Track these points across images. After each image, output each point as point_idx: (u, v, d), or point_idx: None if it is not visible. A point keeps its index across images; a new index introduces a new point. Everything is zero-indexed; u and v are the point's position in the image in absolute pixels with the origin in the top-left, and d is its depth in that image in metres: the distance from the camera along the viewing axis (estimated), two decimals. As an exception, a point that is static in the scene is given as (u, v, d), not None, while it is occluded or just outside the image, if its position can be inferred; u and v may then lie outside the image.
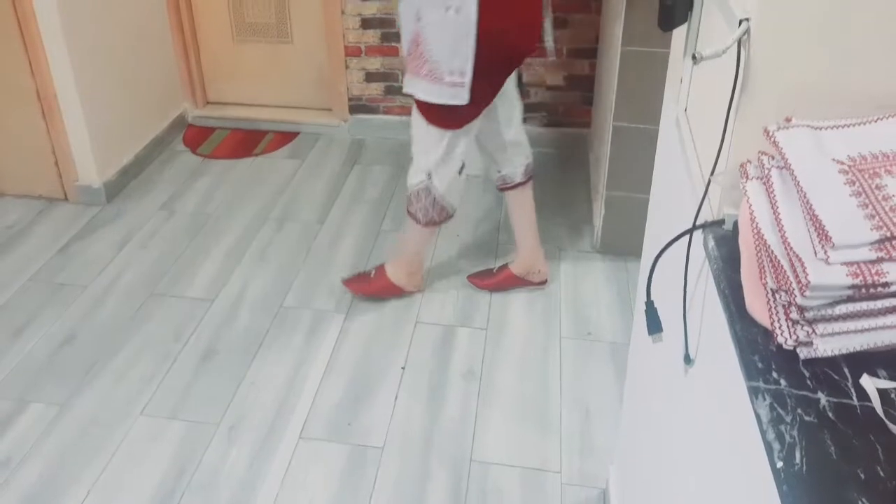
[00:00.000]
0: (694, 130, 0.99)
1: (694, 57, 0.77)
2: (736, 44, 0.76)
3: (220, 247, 2.42)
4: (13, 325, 2.09)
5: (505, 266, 2.21)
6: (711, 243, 0.82)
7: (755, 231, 0.71)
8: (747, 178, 0.74)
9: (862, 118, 0.75)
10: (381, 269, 2.17)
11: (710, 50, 0.76)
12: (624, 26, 2.00)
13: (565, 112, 2.88)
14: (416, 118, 1.89)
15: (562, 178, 2.77)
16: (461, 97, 1.76)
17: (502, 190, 2.13)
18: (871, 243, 0.62)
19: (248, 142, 3.08)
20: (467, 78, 1.74)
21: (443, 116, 1.83)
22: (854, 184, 0.69)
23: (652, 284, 0.99)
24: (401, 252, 2.15)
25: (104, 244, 2.44)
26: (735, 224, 0.81)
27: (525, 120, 2.91)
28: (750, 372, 0.63)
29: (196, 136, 3.10)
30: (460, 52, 1.72)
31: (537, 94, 2.86)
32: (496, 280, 2.19)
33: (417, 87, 1.81)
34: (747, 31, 0.76)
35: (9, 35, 2.39)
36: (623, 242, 2.26)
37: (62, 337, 2.04)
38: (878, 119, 0.74)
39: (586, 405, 1.83)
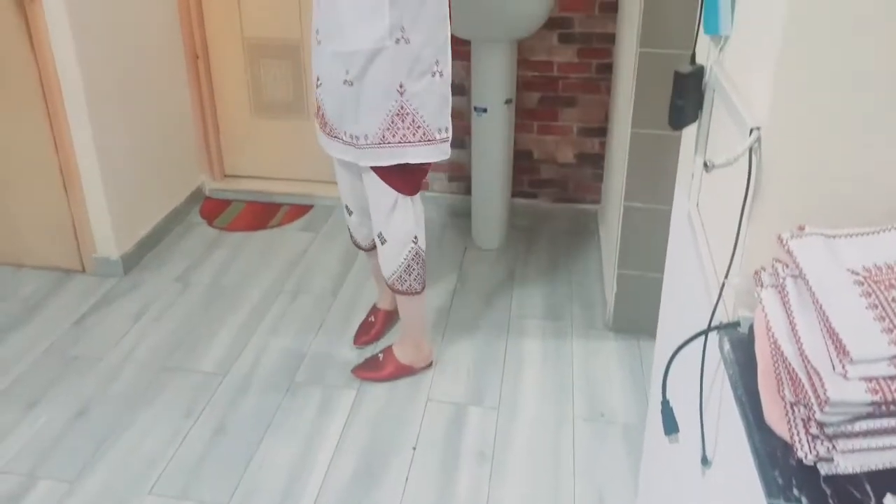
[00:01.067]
0: (706, 227, 1.01)
1: (706, 165, 0.79)
2: (747, 152, 0.77)
3: (233, 319, 2.43)
4: (26, 399, 2.09)
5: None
6: (727, 346, 0.82)
7: (772, 341, 0.71)
8: (762, 286, 0.75)
9: (876, 227, 0.75)
10: (389, 352, 2.18)
11: (721, 158, 0.78)
12: (634, 108, 2.04)
13: (576, 188, 2.91)
14: (383, 197, 1.90)
15: (572, 254, 2.79)
16: (447, 151, 1.87)
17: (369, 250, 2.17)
18: (890, 358, 0.63)
19: (264, 214, 3.12)
20: (450, 131, 1.86)
21: (416, 180, 1.92)
22: (870, 295, 0.69)
23: (668, 380, 0.99)
24: (405, 331, 2.17)
25: (119, 316, 2.45)
26: (751, 328, 0.81)
27: (536, 195, 2.97)
28: (770, 488, 0.62)
29: (213, 209, 3.16)
30: (445, 110, 1.84)
31: (548, 171, 2.91)
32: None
33: (412, 155, 1.84)
34: (758, 140, 0.78)
35: (36, 113, 2.46)
36: (636, 321, 2.26)
37: (74, 410, 2.04)
38: (892, 228, 0.75)
39: (600, 490, 1.80)
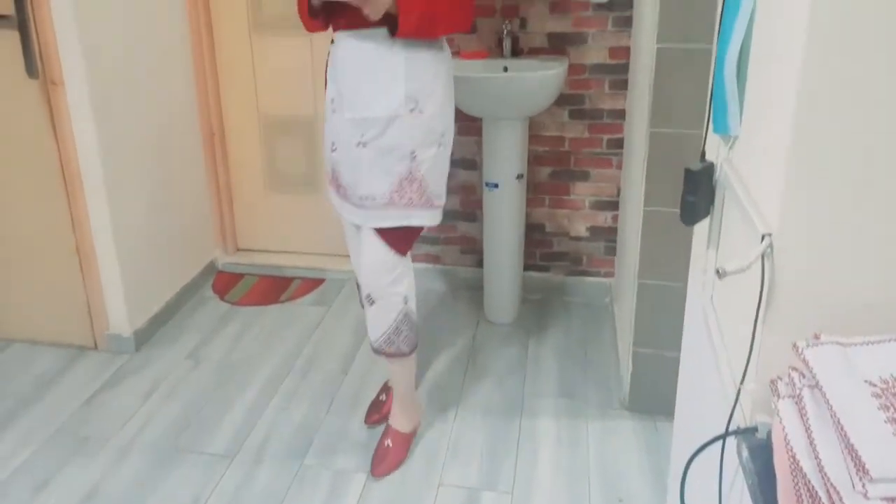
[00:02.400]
0: (721, 326, 0.99)
1: (718, 272, 0.78)
2: (759, 259, 0.77)
3: (243, 398, 2.41)
4: (36, 481, 2.06)
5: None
6: (745, 453, 0.80)
7: (790, 454, 0.69)
8: (778, 396, 0.74)
9: (891, 334, 0.74)
10: (391, 433, 2.15)
11: (733, 265, 0.78)
12: (646, 186, 2.05)
13: (589, 262, 2.91)
14: (378, 256, 1.93)
15: (586, 329, 2.76)
16: (440, 216, 1.97)
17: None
18: (913, 479, 0.61)
19: (276, 288, 3.13)
20: (445, 197, 1.97)
21: (411, 240, 1.98)
22: (888, 409, 0.67)
23: (686, 480, 0.96)
24: (399, 399, 2.15)
25: (130, 395, 2.44)
26: (769, 434, 0.79)
27: (548, 269, 2.97)
28: None
29: (225, 283, 3.17)
30: (444, 178, 1.95)
31: (560, 244, 2.91)
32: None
33: (416, 217, 1.91)
34: (770, 246, 0.77)
35: (54, 192, 2.50)
36: (652, 400, 2.22)
37: (82, 494, 2.01)
38: (908, 337, 0.73)
39: (619, 580, 1.73)
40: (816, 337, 0.75)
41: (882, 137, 0.71)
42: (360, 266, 1.99)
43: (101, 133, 2.45)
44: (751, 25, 0.89)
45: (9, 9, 2.31)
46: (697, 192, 0.99)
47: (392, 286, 1.95)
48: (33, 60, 2.35)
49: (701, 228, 1.14)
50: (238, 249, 3.33)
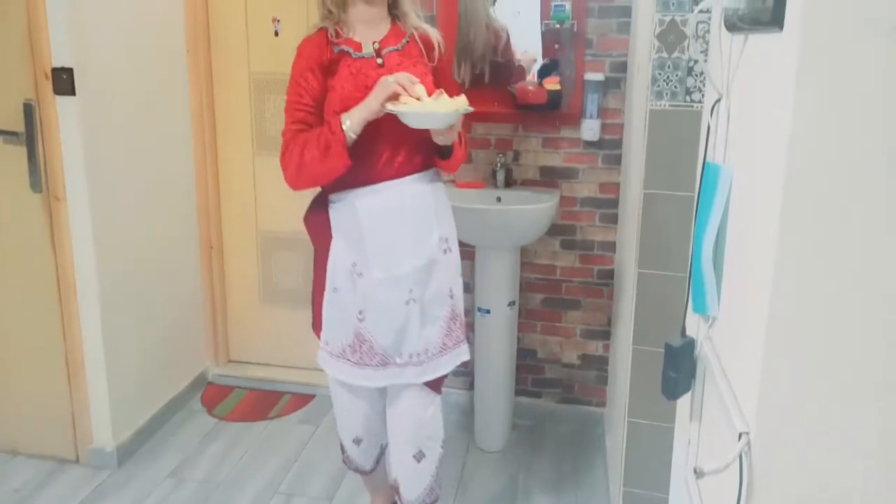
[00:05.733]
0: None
1: (696, 472, 0.79)
2: (738, 458, 0.77)
3: (223, 524, 2.34)
4: None
5: None
6: None
7: None
8: None
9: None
10: None
11: (711, 465, 0.78)
12: (634, 324, 2.06)
13: (581, 390, 2.90)
14: (426, 408, 1.88)
15: (578, 461, 2.72)
16: None
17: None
18: None
19: (265, 403, 3.10)
20: None
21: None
22: None
23: None
24: None
25: (107, 516, 2.38)
26: None
27: (540, 395, 2.95)
28: None
29: (214, 396, 3.14)
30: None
31: (552, 370, 2.90)
32: None
33: (464, 353, 1.89)
34: (748, 444, 0.78)
35: (48, 302, 2.52)
36: (642, 542, 2.16)
37: None
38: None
39: None
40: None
41: (856, 332, 0.73)
42: (403, 426, 1.89)
43: (99, 246, 2.49)
44: (726, 213, 0.93)
45: (19, 126, 2.39)
46: (679, 367, 1.00)
47: (436, 431, 1.91)
48: (38, 176, 2.42)
49: (684, 400, 1.14)
50: (230, 360, 3.32)
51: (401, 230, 1.78)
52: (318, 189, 1.85)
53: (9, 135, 2.41)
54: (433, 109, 1.60)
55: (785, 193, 0.73)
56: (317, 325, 1.91)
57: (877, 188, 0.69)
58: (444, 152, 1.81)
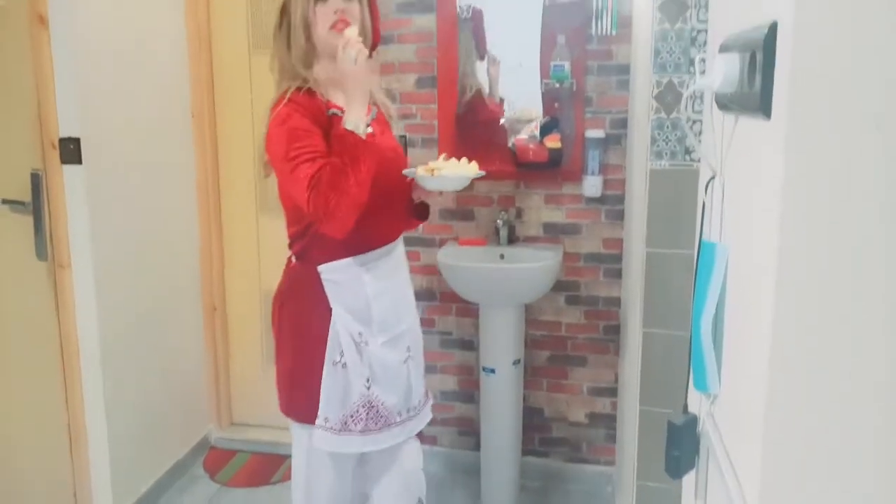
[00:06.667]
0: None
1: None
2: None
3: None
4: None
5: None
6: None
7: None
8: None
9: None
10: None
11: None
12: (641, 386, 2.03)
13: (589, 449, 2.85)
14: (419, 456, 1.97)
15: (587, 519, 2.66)
16: None
17: None
18: None
19: (268, 467, 3.05)
20: None
21: None
22: None
23: None
24: None
25: (106, 590, 2.32)
26: None
27: (547, 454, 2.89)
28: None
29: (217, 460, 3.10)
30: None
31: (560, 429, 2.86)
32: None
33: (429, 393, 2.00)
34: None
35: (51, 370, 2.51)
36: None
37: None
38: None
39: None
40: None
41: (856, 410, 0.71)
42: (397, 480, 1.88)
43: (102, 312, 2.49)
44: (724, 290, 0.92)
45: (26, 195, 2.41)
46: (681, 445, 0.98)
47: (422, 479, 1.97)
48: (44, 244, 2.43)
49: (688, 483, 1.12)
50: (232, 423, 3.28)
51: (401, 290, 1.85)
52: (287, 267, 1.82)
53: (16, 204, 2.43)
54: (458, 173, 1.70)
55: (779, 272, 0.72)
56: (311, 409, 1.75)
57: (871, 267, 0.68)
58: (423, 213, 1.91)
